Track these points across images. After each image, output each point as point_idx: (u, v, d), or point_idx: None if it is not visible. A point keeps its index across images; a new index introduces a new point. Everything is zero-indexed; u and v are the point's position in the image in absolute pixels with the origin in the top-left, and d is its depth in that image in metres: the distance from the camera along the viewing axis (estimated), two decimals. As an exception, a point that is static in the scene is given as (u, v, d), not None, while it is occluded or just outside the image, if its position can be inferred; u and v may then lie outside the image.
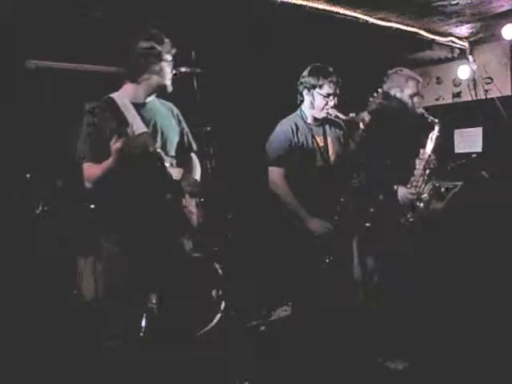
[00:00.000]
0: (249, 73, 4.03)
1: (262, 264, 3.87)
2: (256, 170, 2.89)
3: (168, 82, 2.31)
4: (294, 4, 3.29)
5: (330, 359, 2.81)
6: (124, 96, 2.23)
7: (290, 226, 2.73)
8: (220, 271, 3.56)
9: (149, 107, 2.31)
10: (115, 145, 2.00)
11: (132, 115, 2.15)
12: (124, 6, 2.97)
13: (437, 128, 3.02)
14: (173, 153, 2.39)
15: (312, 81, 2.74)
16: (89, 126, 2.11)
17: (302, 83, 2.81)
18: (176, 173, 2.32)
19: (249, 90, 4.17)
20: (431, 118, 3.02)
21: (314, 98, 2.77)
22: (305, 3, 3.33)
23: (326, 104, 2.74)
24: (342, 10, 3.56)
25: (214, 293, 3.54)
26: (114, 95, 2.23)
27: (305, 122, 2.83)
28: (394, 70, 3.06)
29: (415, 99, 2.99)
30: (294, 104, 2.91)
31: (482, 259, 3.72)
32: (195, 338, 3.33)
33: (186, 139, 2.51)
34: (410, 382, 2.77)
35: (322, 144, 2.81)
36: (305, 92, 2.80)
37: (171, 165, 2.32)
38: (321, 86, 2.72)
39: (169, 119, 2.41)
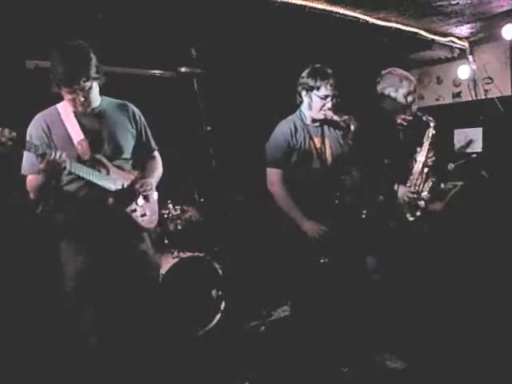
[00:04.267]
0: (249, 73, 4.03)
1: (260, 264, 3.87)
2: (255, 171, 2.90)
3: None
4: (294, 4, 3.29)
5: (330, 359, 2.82)
6: (68, 105, 2.26)
7: (287, 227, 2.73)
8: (220, 271, 3.56)
9: (95, 113, 2.31)
10: (39, 165, 2.05)
11: (71, 125, 2.21)
12: (124, 5, 2.97)
13: (432, 125, 3.04)
14: (126, 156, 2.40)
15: (310, 82, 2.74)
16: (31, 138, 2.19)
17: (300, 84, 2.81)
18: (123, 176, 2.34)
19: (249, 90, 4.17)
20: (425, 116, 3.04)
21: (311, 100, 2.77)
22: (305, 3, 3.33)
23: (324, 106, 2.74)
24: (341, 10, 3.56)
25: (213, 293, 3.54)
26: (59, 105, 2.28)
27: (304, 122, 2.83)
28: (388, 71, 3.07)
29: (409, 98, 3.01)
30: (295, 105, 2.91)
31: (481, 259, 3.72)
32: (195, 339, 3.34)
33: (144, 139, 2.50)
34: (410, 382, 2.77)
35: (319, 145, 2.81)
36: (303, 93, 2.81)
37: (119, 167, 2.34)
38: (318, 88, 2.72)
39: (119, 122, 2.38)
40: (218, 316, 3.49)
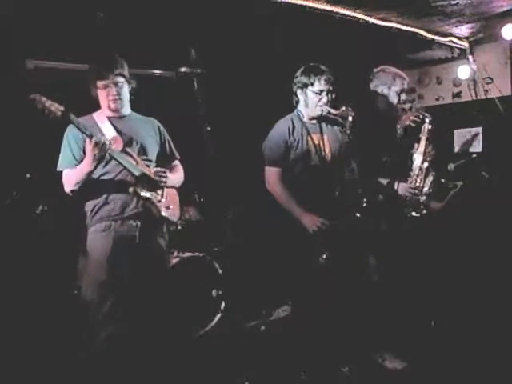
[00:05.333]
0: (249, 73, 4.03)
1: (260, 264, 3.87)
2: (254, 170, 2.90)
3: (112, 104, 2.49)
4: (294, 4, 3.29)
5: (330, 359, 2.82)
6: (102, 112, 2.52)
7: (287, 226, 2.73)
8: (220, 271, 3.56)
9: (126, 119, 2.56)
10: (89, 146, 2.27)
11: (105, 126, 2.46)
12: (125, 6, 2.98)
13: (428, 120, 3.04)
14: (151, 157, 2.59)
15: (304, 79, 2.77)
16: (67, 138, 2.45)
17: (295, 84, 2.84)
18: (149, 169, 2.50)
19: (249, 90, 4.17)
20: (420, 112, 3.06)
21: (307, 96, 2.79)
22: (305, 3, 3.33)
23: (319, 101, 2.76)
24: (341, 10, 3.56)
25: (213, 293, 3.54)
26: (95, 113, 2.52)
27: (301, 120, 2.84)
28: (380, 69, 3.07)
29: (403, 96, 3.01)
30: (293, 104, 2.92)
31: (481, 259, 3.72)
32: (195, 339, 3.34)
33: (167, 148, 2.73)
34: (409, 382, 2.77)
35: (317, 142, 2.81)
36: (298, 91, 2.83)
37: (147, 165, 2.52)
38: (312, 84, 2.75)
39: (146, 130, 2.63)
40: (218, 316, 3.49)
